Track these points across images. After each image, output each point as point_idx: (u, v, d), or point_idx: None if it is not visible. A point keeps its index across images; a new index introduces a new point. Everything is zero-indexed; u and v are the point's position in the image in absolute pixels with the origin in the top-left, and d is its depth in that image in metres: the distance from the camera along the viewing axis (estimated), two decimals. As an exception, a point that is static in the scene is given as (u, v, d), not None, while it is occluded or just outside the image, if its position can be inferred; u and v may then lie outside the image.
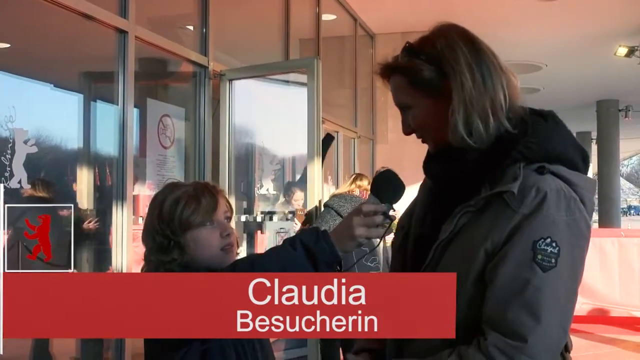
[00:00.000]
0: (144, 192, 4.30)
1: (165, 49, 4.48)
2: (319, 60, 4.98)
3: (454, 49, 1.35)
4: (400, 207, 1.58)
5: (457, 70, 1.33)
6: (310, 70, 5.09)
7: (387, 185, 1.45)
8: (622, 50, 9.60)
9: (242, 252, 5.41)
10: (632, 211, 49.97)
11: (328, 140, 1.62)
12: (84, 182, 4.51)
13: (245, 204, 5.75)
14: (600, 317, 6.76)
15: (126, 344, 3.75)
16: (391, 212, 1.44)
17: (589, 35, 9.60)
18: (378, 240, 1.46)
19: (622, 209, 31.51)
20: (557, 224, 1.24)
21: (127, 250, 3.77)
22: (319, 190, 5.12)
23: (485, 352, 1.22)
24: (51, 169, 4.70)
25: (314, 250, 1.38)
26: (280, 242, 1.55)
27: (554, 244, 1.22)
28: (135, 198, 4.00)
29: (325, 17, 7.90)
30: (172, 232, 1.62)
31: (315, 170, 5.05)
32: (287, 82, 5.64)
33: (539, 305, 1.21)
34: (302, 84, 5.59)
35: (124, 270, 3.77)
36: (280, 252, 1.41)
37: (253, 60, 6.77)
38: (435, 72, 1.35)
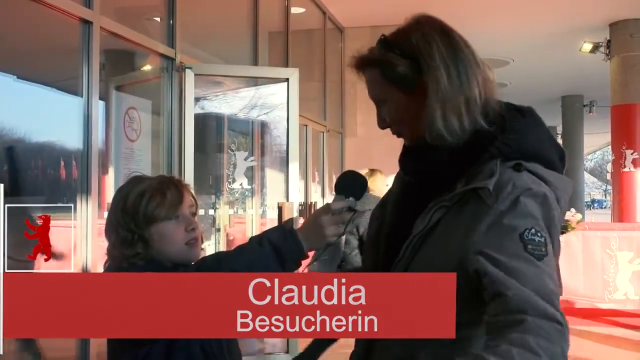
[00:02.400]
0: (110, 186, 4.24)
1: (131, 41, 4.40)
2: (296, 71, 5.17)
3: (430, 43, 1.33)
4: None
5: (432, 66, 1.31)
6: (292, 80, 5.32)
7: (350, 182, 1.46)
8: (587, 47, 9.75)
9: (208, 246, 5.38)
10: (595, 205, 50.97)
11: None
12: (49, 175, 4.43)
13: (213, 198, 5.71)
14: (564, 308, 6.87)
15: (90, 342, 3.70)
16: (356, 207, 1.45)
17: (555, 31, 9.73)
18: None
19: (586, 202, 32.11)
20: (536, 217, 1.24)
21: (91, 245, 3.71)
22: (295, 191, 5.41)
23: (527, 330, 1.13)
24: (14, 161, 4.61)
25: (282, 248, 1.37)
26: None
27: (539, 234, 1.22)
28: (100, 192, 3.94)
29: (294, 10, 7.86)
30: (136, 225, 1.60)
31: (292, 173, 5.34)
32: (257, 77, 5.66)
33: (549, 292, 1.18)
34: (273, 80, 5.63)
35: (88, 266, 3.71)
36: (248, 251, 1.40)
37: (221, 53, 6.72)
38: (410, 67, 1.33)
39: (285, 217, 5.26)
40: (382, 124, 1.44)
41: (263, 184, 5.76)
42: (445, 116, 1.31)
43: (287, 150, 5.39)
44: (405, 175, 1.48)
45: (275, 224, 5.31)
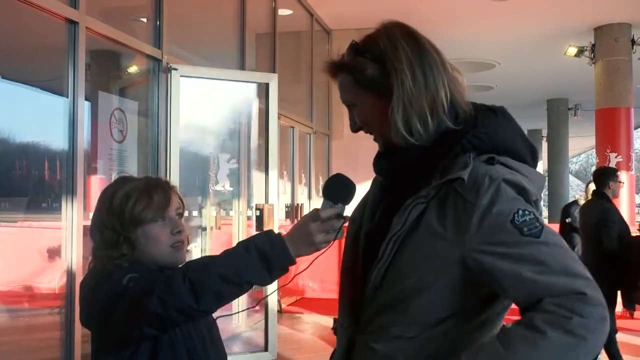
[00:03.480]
0: (95, 186, 4.21)
1: (118, 41, 4.39)
2: (276, 76, 5.25)
3: (396, 47, 1.35)
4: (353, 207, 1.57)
5: (398, 69, 1.34)
6: (271, 85, 5.44)
7: (338, 187, 1.44)
8: (572, 50, 9.83)
9: (193, 249, 5.38)
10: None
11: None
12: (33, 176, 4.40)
13: (200, 200, 5.70)
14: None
15: (75, 343, 3.67)
16: (345, 213, 1.43)
17: (540, 35, 9.81)
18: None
19: (571, 205, 32.19)
20: (518, 199, 1.26)
21: (77, 246, 3.69)
22: (274, 193, 5.47)
23: (544, 311, 1.16)
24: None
25: (269, 255, 1.36)
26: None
27: (526, 212, 1.23)
28: (86, 193, 3.91)
29: (282, 12, 7.86)
30: (122, 227, 1.58)
31: (272, 176, 5.43)
32: (239, 80, 5.69)
33: (568, 265, 1.19)
34: (255, 83, 5.69)
35: (73, 267, 3.69)
36: (234, 256, 1.39)
37: (208, 54, 6.71)
38: (378, 70, 1.36)
39: (266, 219, 5.34)
40: (354, 126, 1.47)
41: (246, 186, 5.80)
42: (408, 117, 1.33)
43: (266, 152, 5.52)
44: (378, 176, 1.50)
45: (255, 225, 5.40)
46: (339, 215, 1.40)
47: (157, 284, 1.40)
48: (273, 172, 5.53)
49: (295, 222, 1.46)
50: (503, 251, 1.22)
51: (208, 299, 1.37)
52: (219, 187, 5.35)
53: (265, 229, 5.31)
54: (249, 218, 5.65)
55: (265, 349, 5.48)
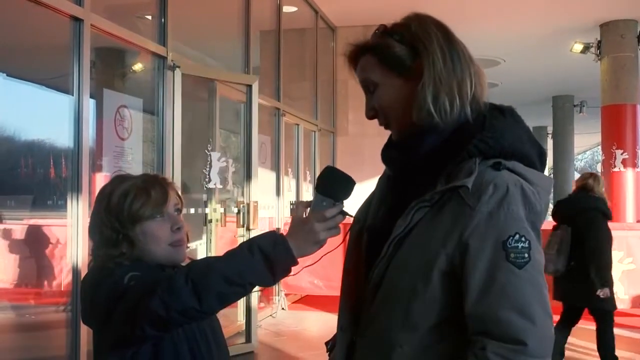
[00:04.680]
0: (100, 184, 4.22)
1: (122, 39, 4.39)
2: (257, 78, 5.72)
3: (428, 31, 1.36)
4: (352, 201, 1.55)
5: (430, 50, 1.34)
6: (254, 87, 5.67)
7: (336, 183, 1.40)
8: (578, 47, 9.79)
9: (192, 247, 5.41)
10: (585, 204, 51.08)
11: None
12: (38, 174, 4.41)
13: (203, 197, 5.73)
14: (554, 308, 6.88)
15: (81, 341, 3.69)
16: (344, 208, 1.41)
17: (546, 32, 9.77)
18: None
19: (576, 202, 32.10)
20: (521, 218, 1.25)
21: (82, 244, 3.70)
22: (255, 190, 5.67)
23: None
24: (4, 160, 4.58)
25: (272, 256, 1.35)
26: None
27: (523, 239, 1.23)
28: (91, 190, 3.92)
29: (286, 9, 7.85)
30: (120, 225, 1.57)
31: (254, 175, 5.66)
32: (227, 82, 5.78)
33: (528, 304, 1.21)
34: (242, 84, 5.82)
35: (79, 264, 3.70)
36: (238, 257, 1.37)
37: (213, 51, 6.71)
38: (406, 50, 1.36)
39: (252, 216, 5.57)
40: (371, 112, 1.43)
41: (239, 184, 5.88)
42: (437, 93, 1.33)
43: (249, 152, 5.68)
44: (386, 165, 1.49)
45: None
46: (342, 212, 1.39)
47: (159, 285, 1.39)
48: (256, 170, 5.73)
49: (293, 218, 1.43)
50: (479, 265, 1.23)
51: (211, 301, 1.36)
52: (210, 185, 5.41)
53: (251, 226, 5.47)
54: (238, 213, 5.71)
55: (248, 340, 5.62)
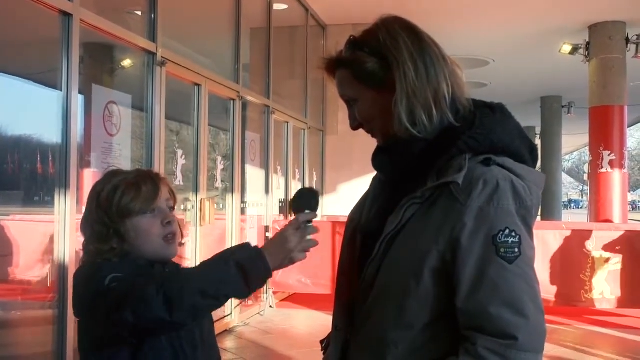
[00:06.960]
0: (89, 180, 4.19)
1: (112, 34, 4.36)
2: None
3: (397, 39, 1.34)
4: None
5: (400, 61, 1.33)
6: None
7: (304, 197, 1.46)
8: (567, 48, 9.84)
9: (187, 242, 5.39)
10: (572, 205, 51.55)
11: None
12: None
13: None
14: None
15: (67, 338, 3.67)
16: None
17: (535, 32, 9.81)
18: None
19: (563, 202, 32.45)
20: (511, 213, 1.25)
21: (69, 240, 3.67)
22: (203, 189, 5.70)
23: (476, 356, 1.21)
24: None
25: (249, 269, 1.35)
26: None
27: (513, 233, 1.23)
28: (79, 187, 3.90)
29: (277, 6, 7.84)
30: (110, 219, 1.56)
31: (201, 173, 5.68)
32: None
33: (519, 299, 1.21)
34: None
35: (66, 260, 3.68)
36: (213, 270, 1.37)
37: (203, 48, 6.69)
38: (378, 64, 1.35)
39: (206, 212, 5.62)
40: (354, 123, 1.45)
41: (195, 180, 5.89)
42: (412, 108, 1.32)
43: (196, 151, 5.67)
44: (378, 172, 1.49)
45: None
46: (310, 222, 1.42)
47: (131, 293, 1.38)
48: (204, 169, 5.72)
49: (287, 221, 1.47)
50: (470, 261, 1.23)
51: (182, 313, 1.35)
52: (177, 182, 5.44)
53: (205, 222, 5.48)
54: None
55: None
